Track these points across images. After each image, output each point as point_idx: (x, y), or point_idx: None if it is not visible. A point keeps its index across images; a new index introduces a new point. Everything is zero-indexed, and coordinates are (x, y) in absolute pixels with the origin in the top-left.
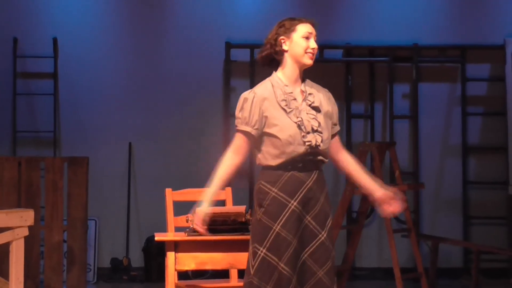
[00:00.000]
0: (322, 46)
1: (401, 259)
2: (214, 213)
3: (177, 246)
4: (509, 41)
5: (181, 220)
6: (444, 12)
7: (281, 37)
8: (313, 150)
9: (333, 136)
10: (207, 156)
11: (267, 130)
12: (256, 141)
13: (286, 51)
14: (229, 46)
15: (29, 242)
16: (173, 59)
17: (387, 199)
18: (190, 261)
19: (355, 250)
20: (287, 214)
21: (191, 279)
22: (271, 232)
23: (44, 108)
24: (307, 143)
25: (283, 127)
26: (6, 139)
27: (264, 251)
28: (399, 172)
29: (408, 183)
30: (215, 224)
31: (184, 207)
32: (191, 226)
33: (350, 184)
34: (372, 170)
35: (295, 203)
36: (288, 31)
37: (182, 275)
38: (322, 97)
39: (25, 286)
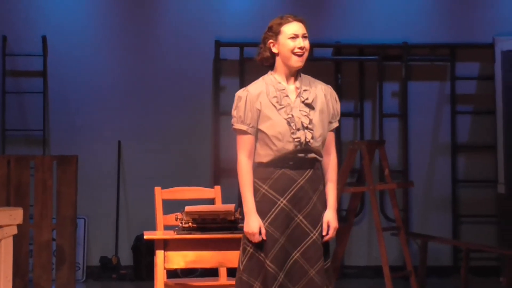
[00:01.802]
0: (311, 45)
1: (390, 258)
2: (203, 211)
3: (167, 245)
4: (498, 40)
5: (171, 219)
6: (433, 11)
7: (270, 41)
8: (304, 147)
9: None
10: (197, 154)
11: (259, 126)
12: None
13: (277, 54)
14: (218, 44)
15: (18, 240)
16: (163, 58)
17: (325, 223)
18: (180, 259)
19: (345, 248)
20: (276, 212)
21: (180, 278)
22: None
23: (34, 107)
24: (296, 140)
25: (273, 124)
26: None
27: (253, 247)
28: (388, 170)
29: (398, 182)
30: (204, 222)
31: (173, 206)
32: (180, 224)
33: (340, 182)
34: (362, 168)
35: (284, 201)
36: (275, 34)
37: (172, 273)
38: (318, 94)
39: (14, 285)
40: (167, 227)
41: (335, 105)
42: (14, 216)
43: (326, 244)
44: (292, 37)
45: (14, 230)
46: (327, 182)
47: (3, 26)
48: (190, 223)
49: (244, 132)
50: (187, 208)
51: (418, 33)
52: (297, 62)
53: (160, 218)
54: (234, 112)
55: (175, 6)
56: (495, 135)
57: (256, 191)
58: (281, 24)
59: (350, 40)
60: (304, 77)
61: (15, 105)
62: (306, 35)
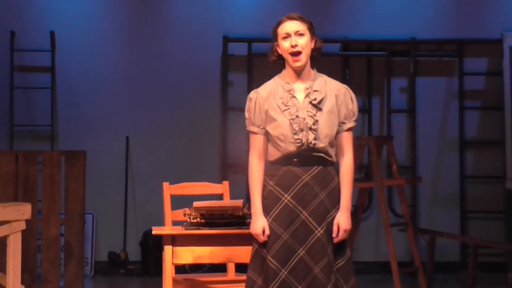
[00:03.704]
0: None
1: (398, 253)
2: (211, 207)
3: (175, 240)
4: (506, 35)
5: (179, 214)
6: (441, 6)
7: (275, 43)
8: (307, 148)
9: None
10: (205, 150)
11: (266, 127)
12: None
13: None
14: (226, 40)
15: (26, 235)
16: (171, 53)
17: (335, 225)
18: (188, 255)
19: (353, 244)
20: (280, 208)
21: (188, 273)
22: None
23: (42, 102)
24: (297, 141)
25: (277, 125)
26: (3, 133)
27: (258, 244)
28: (396, 166)
29: (406, 177)
30: (213, 218)
31: (181, 201)
32: (189, 220)
33: None
34: (370, 164)
35: (288, 197)
36: (275, 37)
37: (180, 269)
38: (329, 94)
39: (22, 280)
40: (175, 223)
41: (350, 105)
42: (23, 211)
43: (342, 243)
44: (284, 37)
45: (23, 225)
46: (340, 183)
47: (12, 21)
48: (198, 219)
49: (255, 133)
50: (195, 204)
51: (426, 28)
52: (293, 61)
53: (168, 213)
54: (246, 114)
55: (183, 2)
56: (503, 131)
57: (264, 187)
58: (277, 27)
59: (358, 36)
60: (320, 77)
61: (23, 100)
62: (302, 31)
